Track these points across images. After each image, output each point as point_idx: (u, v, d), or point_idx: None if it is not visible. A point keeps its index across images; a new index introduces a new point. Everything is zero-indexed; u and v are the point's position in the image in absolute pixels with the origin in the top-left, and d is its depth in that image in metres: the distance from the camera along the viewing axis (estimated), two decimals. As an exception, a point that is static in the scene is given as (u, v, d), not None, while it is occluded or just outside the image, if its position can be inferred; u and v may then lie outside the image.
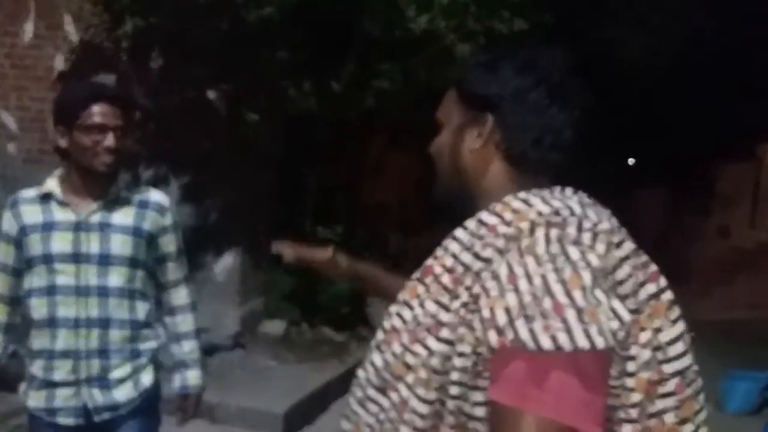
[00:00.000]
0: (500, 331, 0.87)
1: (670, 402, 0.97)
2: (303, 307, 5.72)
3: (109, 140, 1.73)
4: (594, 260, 0.90)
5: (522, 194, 0.99)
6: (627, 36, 6.08)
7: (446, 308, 0.95)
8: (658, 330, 0.95)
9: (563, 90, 1.02)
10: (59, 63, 5.26)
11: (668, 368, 0.96)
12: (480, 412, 0.93)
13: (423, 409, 0.95)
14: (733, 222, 9.82)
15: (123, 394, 1.81)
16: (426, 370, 0.94)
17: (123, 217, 1.81)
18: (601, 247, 0.92)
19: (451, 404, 0.94)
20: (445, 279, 0.97)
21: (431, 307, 0.97)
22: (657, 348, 0.95)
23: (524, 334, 0.85)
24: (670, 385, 0.96)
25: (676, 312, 0.98)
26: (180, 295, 1.96)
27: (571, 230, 0.93)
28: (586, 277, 0.88)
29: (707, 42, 6.89)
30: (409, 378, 0.96)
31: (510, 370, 0.88)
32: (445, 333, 0.94)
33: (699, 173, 9.76)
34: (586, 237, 0.92)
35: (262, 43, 4.43)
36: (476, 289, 0.92)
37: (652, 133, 9.56)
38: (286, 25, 4.26)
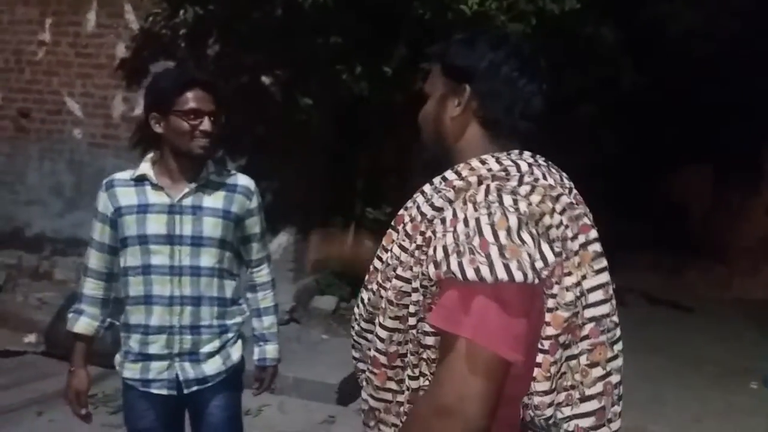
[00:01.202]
0: (437, 265, 1.01)
1: (583, 345, 1.08)
2: (352, 285, 5.88)
3: (206, 124, 1.82)
4: (523, 207, 1.02)
5: (485, 156, 1.13)
6: (679, 12, 5.98)
7: (405, 250, 1.11)
8: (584, 277, 1.07)
9: (532, 64, 1.17)
10: (120, 51, 5.47)
11: (586, 313, 1.08)
12: (430, 340, 1.07)
13: (382, 333, 1.12)
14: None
15: (212, 367, 1.93)
16: (386, 302, 1.11)
17: (213, 200, 1.91)
18: (535, 198, 1.05)
19: (411, 333, 1.09)
20: (408, 227, 1.13)
21: (396, 250, 1.13)
22: (580, 293, 1.06)
23: (454, 266, 0.98)
24: (585, 329, 1.08)
25: (601, 263, 1.10)
26: (262, 273, 2.09)
27: (512, 183, 1.07)
28: (513, 220, 1.00)
29: (755, 18, 6.70)
30: (379, 309, 1.14)
31: (444, 298, 1.02)
32: (400, 270, 1.10)
33: (747, 152, 9.50)
34: (524, 189, 1.06)
35: (315, 29, 4.52)
36: (428, 233, 1.07)
37: (700, 110, 9.36)
38: (340, 9, 4.34)
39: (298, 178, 5.29)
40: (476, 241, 0.99)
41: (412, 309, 1.09)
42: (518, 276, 0.97)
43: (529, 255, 0.99)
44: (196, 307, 1.90)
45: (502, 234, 0.99)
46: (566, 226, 1.07)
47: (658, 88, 6.97)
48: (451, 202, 1.08)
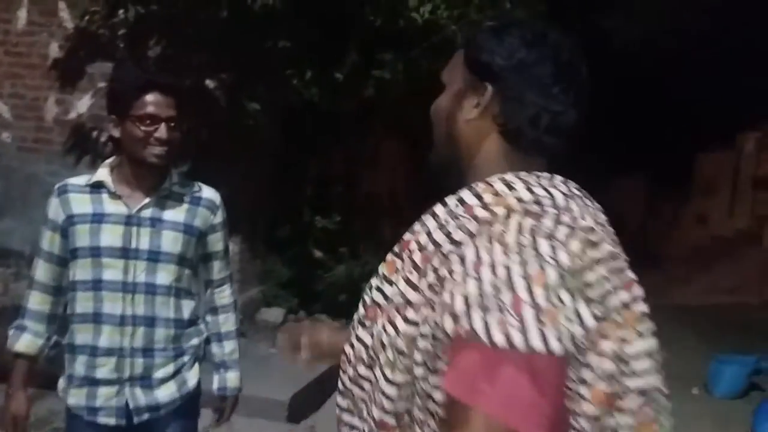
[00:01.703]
0: (456, 318, 0.84)
1: (626, 419, 0.89)
2: (300, 296, 5.76)
3: (161, 131, 1.70)
4: (564, 258, 0.85)
5: (508, 176, 0.95)
6: (620, 26, 6.17)
7: (414, 287, 0.92)
8: (623, 341, 0.89)
9: (569, 70, 0.97)
10: (54, 50, 5.18)
11: (630, 383, 0.89)
12: (439, 396, 0.89)
13: (390, 390, 0.93)
14: (711, 210, 10.05)
15: (166, 394, 1.80)
16: (393, 351, 0.93)
17: (174, 213, 1.79)
18: (575, 245, 0.87)
19: (418, 386, 0.91)
20: (417, 256, 0.94)
21: (401, 285, 0.94)
22: (621, 360, 0.88)
23: (479, 325, 0.82)
24: (629, 402, 0.89)
25: (647, 325, 0.92)
26: (224, 295, 1.96)
27: (547, 222, 0.88)
28: (552, 274, 0.83)
29: (688, 34, 7.01)
30: (382, 357, 0.95)
31: (463, 360, 0.84)
32: (411, 313, 0.91)
33: (678, 161, 9.94)
34: (562, 231, 0.87)
35: (264, 32, 4.41)
36: (443, 271, 0.89)
37: (632, 121, 9.71)
38: (289, 13, 4.24)
39: (244, 185, 5.14)
40: (507, 298, 0.82)
41: (419, 357, 0.90)
42: (556, 347, 0.81)
43: (568, 320, 0.83)
44: (150, 328, 1.77)
45: (538, 292, 0.82)
46: (607, 279, 0.89)
47: (595, 101, 7.17)
48: (472, 236, 0.89)
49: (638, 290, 0.93)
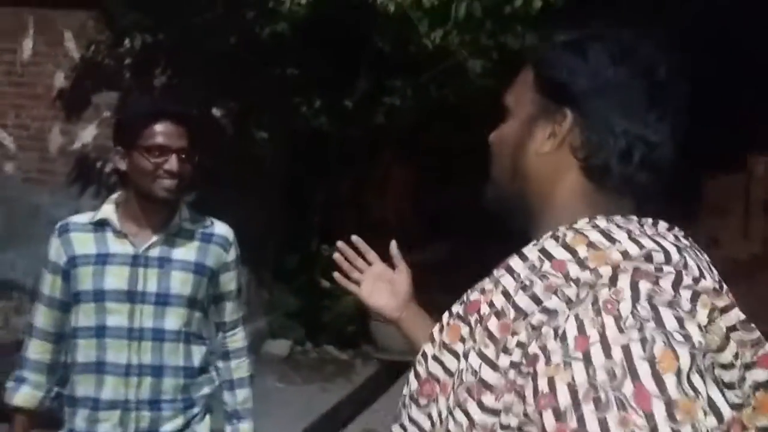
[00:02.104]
0: (559, 415, 0.66)
1: None
2: (307, 327, 5.63)
3: (171, 163, 1.59)
4: (695, 333, 0.68)
5: (601, 221, 0.77)
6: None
7: (492, 365, 0.74)
8: (765, 430, 0.73)
9: (667, 90, 0.80)
10: (59, 80, 5.15)
11: None
12: None
13: None
14: (724, 233, 9.93)
15: None
16: None
17: (185, 251, 1.68)
18: (702, 314, 0.70)
19: None
20: (493, 324, 0.75)
21: (474, 360, 0.75)
22: None
23: (593, 425, 0.64)
24: None
25: None
26: (237, 338, 1.84)
27: (666, 285, 0.70)
28: (684, 356, 0.66)
29: (698, 55, 6.94)
30: None
31: None
32: (489, 399, 0.73)
33: (689, 183, 9.84)
34: (685, 297, 0.70)
35: (272, 60, 4.36)
36: (533, 348, 0.71)
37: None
38: (297, 41, 4.19)
39: (251, 213, 5.05)
40: (628, 389, 0.64)
41: None
42: None
43: (704, 413, 0.65)
44: (158, 378, 1.65)
45: (670, 381, 0.64)
46: (741, 355, 0.73)
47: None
48: (570, 303, 0.71)
49: None
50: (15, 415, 1.71)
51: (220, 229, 1.77)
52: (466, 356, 0.77)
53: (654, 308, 0.68)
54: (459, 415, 0.75)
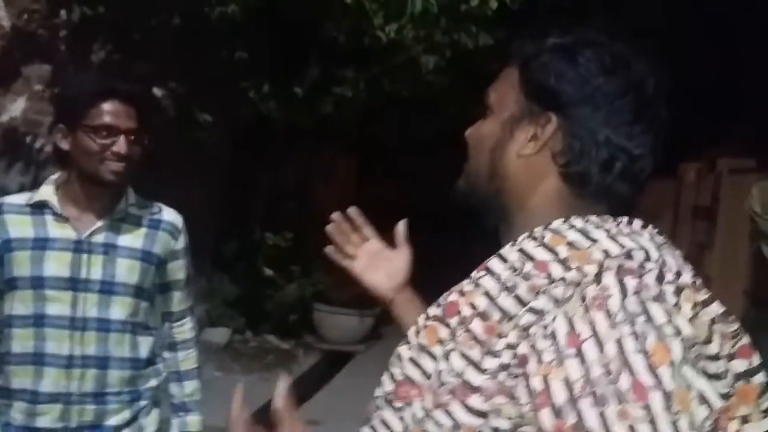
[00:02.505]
0: (558, 412, 0.66)
1: None
2: (247, 315, 5.54)
3: (120, 144, 1.50)
4: (684, 326, 0.70)
5: (577, 221, 0.78)
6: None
7: (477, 367, 0.74)
8: (745, 419, 0.74)
9: (653, 106, 0.81)
10: (-12, 49, 4.82)
11: None
12: None
13: None
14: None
15: None
16: None
17: (131, 238, 1.60)
18: (687, 308, 0.72)
19: None
20: (477, 326, 0.75)
21: (457, 362, 0.75)
22: None
23: (592, 419, 0.65)
24: None
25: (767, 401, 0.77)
26: (184, 329, 1.77)
27: (650, 281, 0.71)
28: (676, 348, 0.68)
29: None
30: None
31: None
32: (476, 401, 0.73)
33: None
34: (669, 292, 0.71)
35: (220, 42, 4.22)
36: (523, 348, 0.71)
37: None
38: (248, 24, 4.08)
39: (191, 200, 4.90)
40: (624, 382, 0.65)
41: None
42: None
43: (697, 402, 0.67)
44: (102, 370, 1.57)
45: (664, 372, 0.66)
46: (723, 347, 0.74)
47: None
48: (558, 302, 0.71)
49: (757, 358, 0.76)
50: None
51: (169, 215, 1.70)
52: (446, 357, 0.76)
53: (642, 303, 0.69)
54: (440, 416, 0.74)
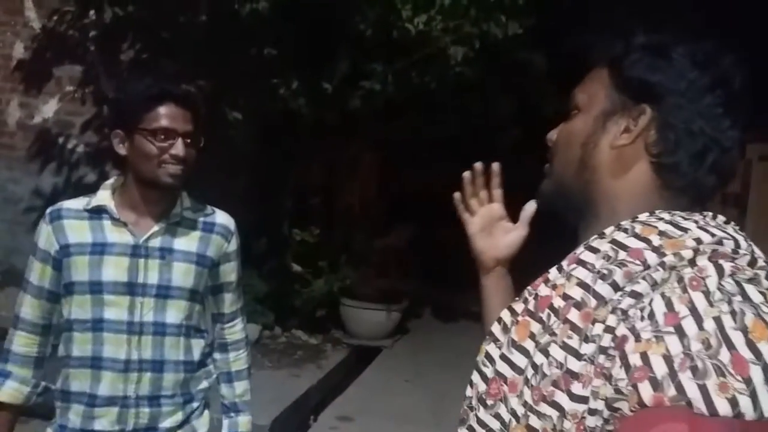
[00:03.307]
0: (657, 385, 0.68)
1: None
2: (276, 311, 5.56)
3: (178, 147, 1.50)
4: None
5: (664, 214, 0.81)
6: (599, 41, 6.19)
7: (576, 354, 0.75)
8: None
9: (741, 101, 0.84)
10: (19, 51, 4.89)
11: None
12: None
13: None
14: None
15: None
16: None
17: (187, 242, 1.60)
18: None
19: None
20: (573, 315, 0.77)
21: (558, 353, 0.77)
22: None
23: (693, 391, 0.67)
24: None
25: None
26: (235, 330, 1.77)
27: (744, 264, 0.75)
28: None
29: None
30: None
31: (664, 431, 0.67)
32: (577, 387, 0.75)
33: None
34: (762, 276, 0.74)
35: (249, 39, 4.22)
36: (621, 330, 0.72)
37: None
38: (276, 20, 4.07)
39: (220, 197, 4.92)
40: (725, 356, 0.67)
41: None
42: None
43: None
44: (158, 373, 1.57)
45: (764, 348, 0.68)
46: None
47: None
48: (656, 285, 0.73)
49: None
50: None
51: (222, 218, 1.70)
52: (544, 351, 0.78)
53: (738, 284, 0.71)
54: (545, 408, 0.76)
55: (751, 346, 0.67)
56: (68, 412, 1.58)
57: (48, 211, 1.60)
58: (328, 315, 5.89)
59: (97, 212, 1.56)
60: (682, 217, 0.80)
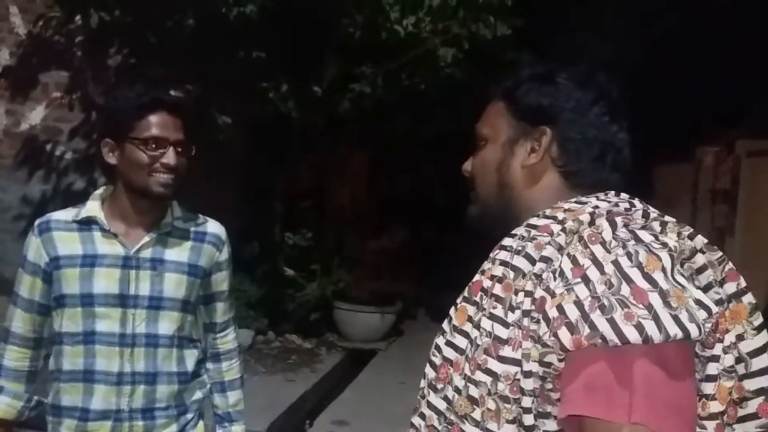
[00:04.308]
0: (573, 328, 0.76)
1: (750, 428, 0.83)
2: (270, 316, 5.54)
3: (169, 156, 1.47)
4: (670, 240, 0.81)
5: (572, 200, 0.93)
6: (589, 45, 6.21)
7: (503, 322, 0.84)
8: (740, 337, 0.83)
9: (620, 108, 0.99)
10: (4, 57, 4.84)
11: (750, 384, 0.82)
12: None
13: None
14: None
15: None
16: (494, 400, 0.82)
17: (178, 252, 1.57)
18: (672, 235, 0.83)
19: None
20: (497, 289, 0.86)
21: (486, 323, 0.85)
22: (738, 359, 0.82)
23: (603, 326, 0.74)
24: (752, 406, 0.82)
25: (758, 318, 0.85)
26: (227, 339, 1.75)
27: (637, 217, 0.86)
28: (665, 257, 0.78)
29: (654, 51, 7.16)
30: (476, 414, 0.83)
31: (588, 374, 0.75)
32: (507, 351, 0.82)
33: (639, 175, 10.08)
34: (655, 224, 0.85)
35: (237, 43, 4.20)
36: (539, 292, 0.81)
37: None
38: (264, 24, 4.05)
39: (210, 202, 4.89)
40: (625, 290, 0.75)
41: (526, 402, 0.80)
42: (693, 331, 0.73)
43: (694, 302, 0.76)
44: (151, 385, 1.55)
45: (658, 276, 0.76)
46: (712, 267, 0.84)
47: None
48: (561, 248, 0.83)
49: (743, 281, 0.85)
50: None
51: (213, 227, 1.67)
52: (477, 326, 0.87)
53: (631, 232, 0.82)
54: (480, 376, 0.84)
55: (647, 277, 0.76)
56: (60, 426, 1.55)
57: (36, 223, 1.57)
58: (322, 318, 5.87)
59: (87, 223, 1.54)
60: (585, 197, 0.93)
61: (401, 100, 5.00)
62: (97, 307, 1.51)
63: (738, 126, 7.37)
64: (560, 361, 0.77)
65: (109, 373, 1.52)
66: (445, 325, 0.93)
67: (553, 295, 0.79)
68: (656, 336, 0.73)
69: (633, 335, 0.73)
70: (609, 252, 0.79)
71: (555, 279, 0.80)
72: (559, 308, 0.77)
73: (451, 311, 0.93)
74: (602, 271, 0.77)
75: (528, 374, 0.80)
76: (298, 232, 5.44)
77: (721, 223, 8.87)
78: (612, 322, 0.74)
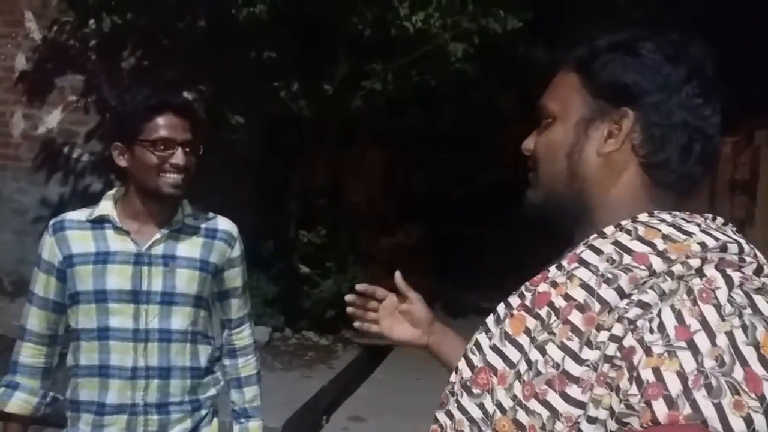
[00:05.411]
0: (672, 404, 0.66)
1: None
2: (286, 313, 5.57)
3: (178, 156, 1.52)
4: None
5: (666, 216, 0.79)
6: (597, 37, 6.16)
7: (577, 358, 0.74)
8: None
9: (716, 87, 0.83)
10: (20, 63, 4.92)
11: None
12: None
13: None
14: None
15: None
16: None
17: (189, 248, 1.61)
18: None
19: None
20: (575, 318, 0.75)
21: (555, 353, 0.75)
22: None
23: (708, 410, 0.65)
24: None
25: None
26: (243, 335, 1.78)
27: (750, 273, 0.73)
28: None
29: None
30: None
31: None
32: (575, 391, 0.73)
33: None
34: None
35: (248, 43, 4.23)
36: (629, 340, 0.71)
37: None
38: (274, 23, 4.07)
39: (225, 201, 4.94)
40: (738, 374, 0.66)
41: None
42: None
43: None
44: (165, 380, 1.59)
45: None
46: None
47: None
48: (663, 294, 0.72)
49: None
50: (7, 423, 1.63)
51: (224, 224, 1.71)
52: (541, 349, 0.76)
53: (748, 295, 0.70)
54: (535, 405, 0.75)
55: (764, 361, 0.67)
56: (78, 421, 1.60)
57: (51, 222, 1.62)
58: (338, 315, 5.89)
59: (100, 222, 1.58)
60: (684, 220, 0.78)
61: (414, 96, 5.00)
62: (110, 303, 1.55)
63: (757, 116, 7.27)
64: (642, 427, 0.68)
65: (123, 368, 1.56)
66: (491, 324, 0.84)
67: (648, 351, 0.69)
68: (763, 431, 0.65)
69: (739, 427, 0.65)
70: (723, 319, 0.68)
71: (652, 332, 0.70)
72: (657, 373, 0.68)
73: (501, 310, 0.84)
74: (713, 342, 0.67)
75: (592, 420, 0.71)
76: (313, 229, 5.47)
77: (741, 213, 8.77)
78: (719, 408, 0.65)
